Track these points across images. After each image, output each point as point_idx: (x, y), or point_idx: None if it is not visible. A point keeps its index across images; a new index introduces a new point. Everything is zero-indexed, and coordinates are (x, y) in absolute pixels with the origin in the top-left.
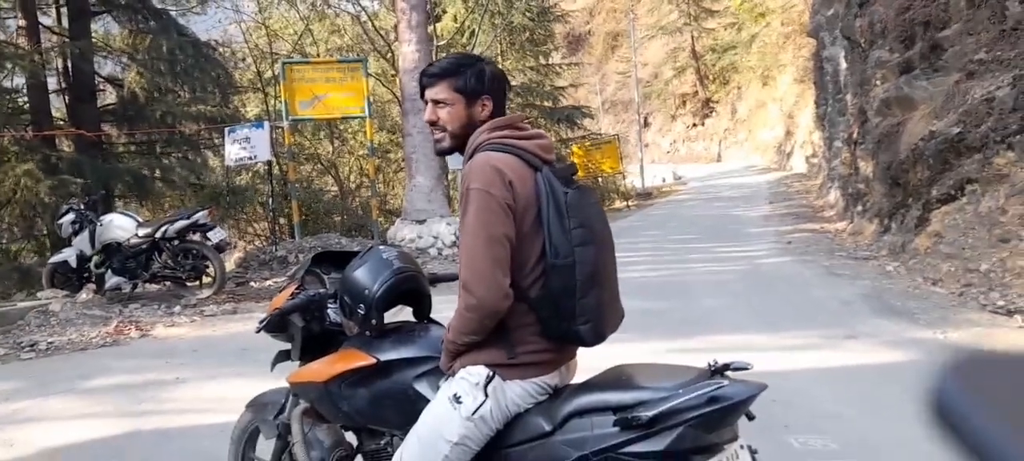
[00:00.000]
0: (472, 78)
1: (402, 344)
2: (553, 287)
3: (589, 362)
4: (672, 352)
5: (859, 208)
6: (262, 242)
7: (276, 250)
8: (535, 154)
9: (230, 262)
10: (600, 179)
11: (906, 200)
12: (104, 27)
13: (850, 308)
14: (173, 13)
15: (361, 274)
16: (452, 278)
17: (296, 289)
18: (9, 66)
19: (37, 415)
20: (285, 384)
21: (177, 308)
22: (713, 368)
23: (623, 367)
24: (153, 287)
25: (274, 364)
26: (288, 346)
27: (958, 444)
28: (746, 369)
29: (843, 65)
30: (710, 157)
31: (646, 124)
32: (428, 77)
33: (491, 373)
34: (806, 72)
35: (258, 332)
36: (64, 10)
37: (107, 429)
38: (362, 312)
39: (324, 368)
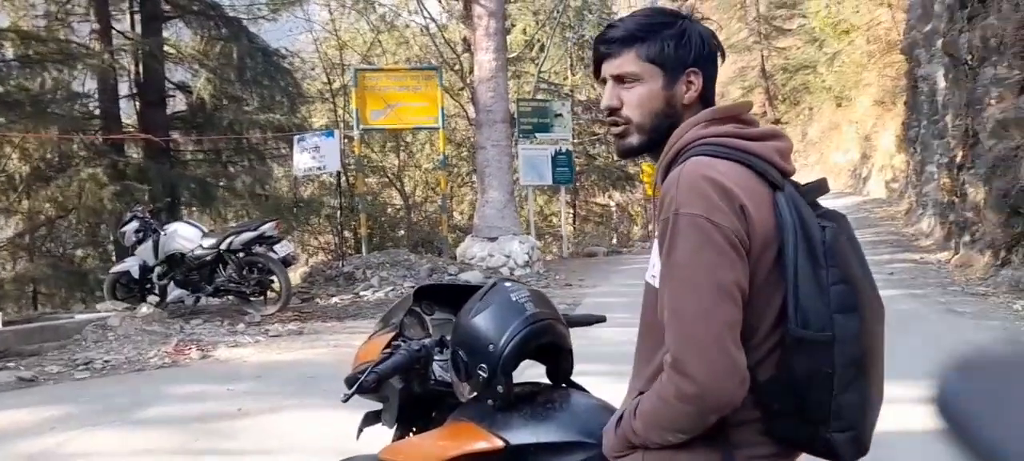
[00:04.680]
0: (671, 42)
1: (539, 422)
2: (797, 372)
3: None
4: None
5: (967, 238)
6: (327, 256)
7: (343, 265)
8: (773, 163)
9: (295, 277)
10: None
11: None
12: (176, 34)
13: None
14: (244, 21)
15: (483, 322)
16: (589, 321)
17: (393, 338)
18: (81, 67)
19: (84, 449)
20: (373, 451)
21: (240, 326)
22: None
23: None
24: (215, 301)
25: (361, 430)
26: (377, 406)
27: (960, 442)
28: None
29: (941, 84)
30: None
31: None
32: (607, 44)
33: None
34: (887, 93)
35: (345, 401)
36: (138, 17)
37: None
38: (484, 374)
39: (431, 447)
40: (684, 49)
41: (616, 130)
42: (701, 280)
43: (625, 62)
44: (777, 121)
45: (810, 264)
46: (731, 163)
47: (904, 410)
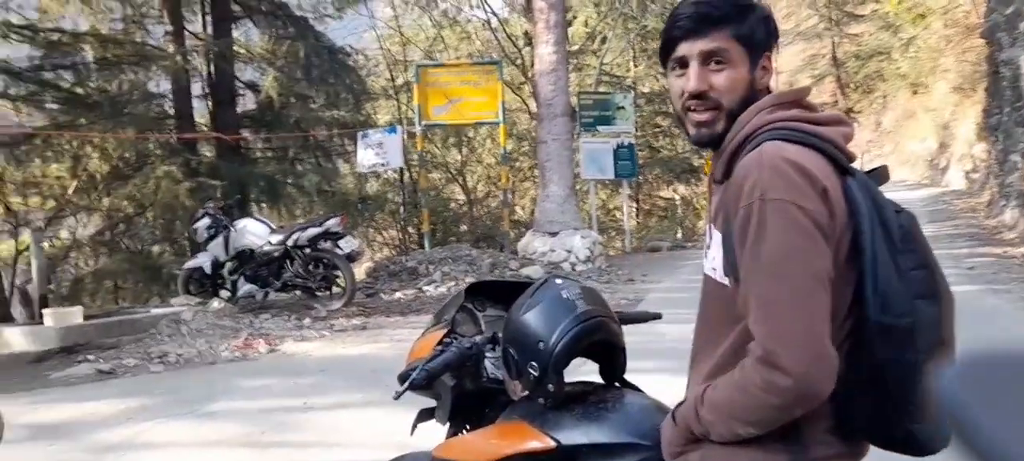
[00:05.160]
0: (761, 26)
1: (591, 422)
2: (880, 360)
3: None
4: None
5: None
6: (391, 251)
7: (406, 261)
8: (841, 149)
9: (360, 272)
10: None
11: None
12: (245, 34)
13: None
14: (311, 19)
15: (533, 320)
16: (644, 318)
17: (445, 335)
18: (155, 69)
19: (158, 440)
20: (428, 448)
21: (307, 321)
22: None
23: None
24: (283, 296)
25: (415, 426)
26: (432, 403)
27: (961, 442)
28: None
29: None
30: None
31: None
32: (692, 20)
33: None
34: (967, 79)
35: (397, 398)
36: (209, 18)
37: None
38: (535, 373)
39: (483, 445)
40: (766, 34)
41: (701, 116)
42: (794, 269)
43: (719, 40)
44: (850, 110)
45: (888, 249)
46: (804, 148)
47: None
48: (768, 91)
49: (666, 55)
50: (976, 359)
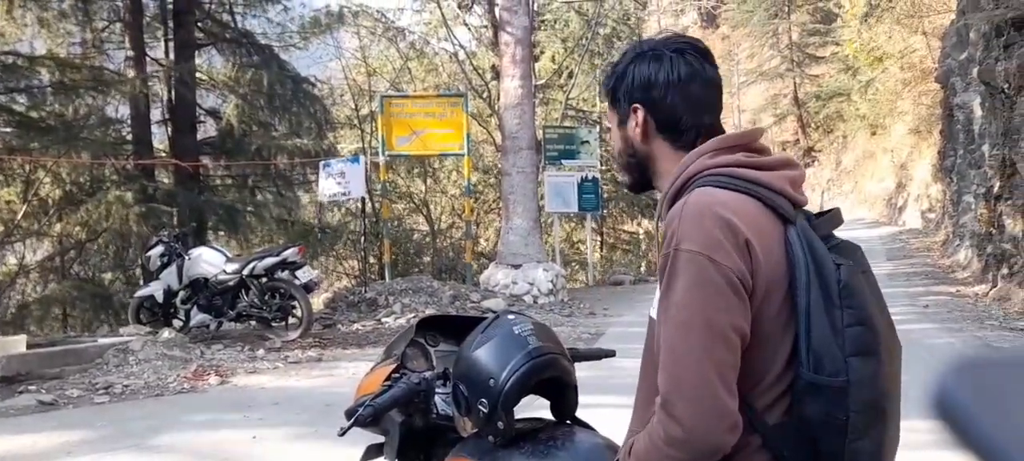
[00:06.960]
0: (617, 83)
1: (540, 460)
2: (810, 417)
3: None
4: None
5: (1005, 271)
6: (351, 282)
7: (365, 291)
8: (784, 194)
9: (317, 302)
10: None
11: None
12: (208, 61)
13: None
14: (276, 48)
15: (484, 356)
16: (597, 355)
17: (394, 370)
18: (114, 94)
19: None
20: None
21: (260, 352)
22: None
23: None
24: (238, 326)
25: None
26: (380, 439)
27: (960, 444)
28: None
29: (978, 113)
30: (812, 208)
31: None
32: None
33: None
34: (923, 121)
35: (342, 435)
36: (172, 44)
37: None
38: (484, 410)
39: None
40: (623, 88)
41: (616, 165)
42: (694, 320)
43: (609, 105)
44: (810, 149)
45: (824, 304)
46: (738, 195)
47: (930, 456)
48: (677, 132)
49: None
50: (975, 362)
